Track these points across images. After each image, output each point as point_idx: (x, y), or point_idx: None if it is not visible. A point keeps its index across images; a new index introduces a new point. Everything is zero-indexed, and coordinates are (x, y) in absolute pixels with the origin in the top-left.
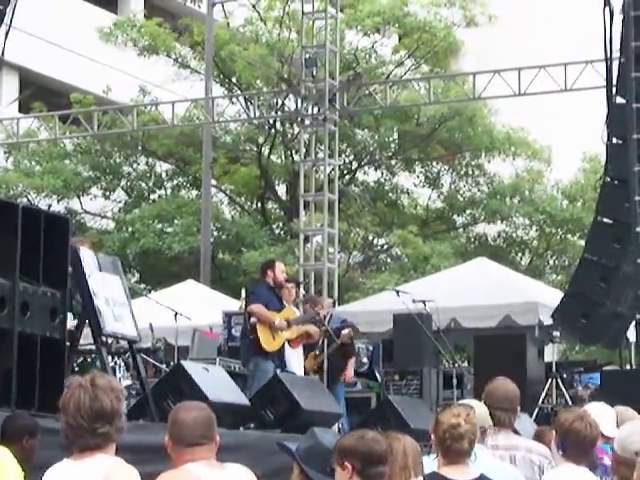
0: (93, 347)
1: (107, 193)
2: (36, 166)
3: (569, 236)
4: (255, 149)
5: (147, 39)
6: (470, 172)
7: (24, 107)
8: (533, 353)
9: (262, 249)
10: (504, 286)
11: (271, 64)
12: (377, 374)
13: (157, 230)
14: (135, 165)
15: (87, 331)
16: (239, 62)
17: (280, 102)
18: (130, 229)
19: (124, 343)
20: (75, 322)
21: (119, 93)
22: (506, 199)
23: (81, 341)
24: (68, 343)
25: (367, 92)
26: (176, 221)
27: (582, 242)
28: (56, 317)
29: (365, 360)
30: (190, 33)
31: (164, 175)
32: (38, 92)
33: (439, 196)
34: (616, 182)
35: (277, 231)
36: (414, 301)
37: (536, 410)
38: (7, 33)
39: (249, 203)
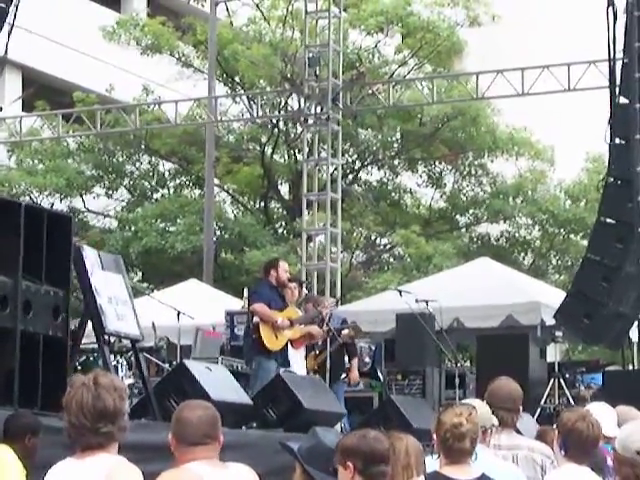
0: (95, 346)
1: (110, 192)
2: (39, 165)
3: (572, 236)
4: (258, 148)
5: (150, 38)
6: (473, 172)
7: (27, 106)
8: (535, 353)
9: (265, 248)
10: (507, 286)
11: (274, 63)
12: (379, 374)
13: (160, 229)
14: (138, 164)
15: (89, 330)
16: (242, 61)
17: (283, 101)
18: (133, 228)
19: (127, 342)
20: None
21: (122, 92)
22: (509, 199)
23: (83, 340)
24: (70, 342)
25: (370, 92)
26: (179, 220)
27: (585, 242)
28: (58, 316)
29: (367, 360)
30: (193, 32)
31: (167, 174)
32: (41, 91)
33: (442, 196)
34: (619, 182)
35: (280, 230)
36: (417, 301)
37: (538, 410)
38: (10, 31)
39: (252, 202)
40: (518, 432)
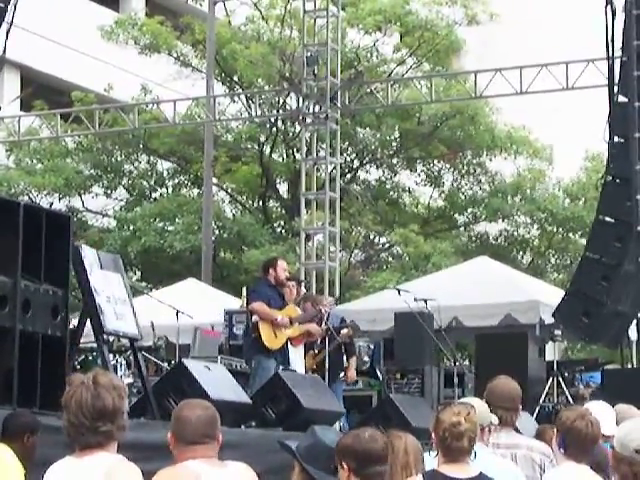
0: (94, 345)
1: (108, 191)
2: (37, 164)
3: (571, 235)
4: (256, 147)
5: (148, 37)
6: (471, 171)
7: (25, 105)
8: (534, 352)
9: (263, 247)
10: (505, 285)
11: (272, 62)
12: (378, 372)
13: (158, 228)
14: (136, 163)
15: (88, 329)
16: (240, 60)
17: (281, 100)
18: (131, 227)
19: (125, 341)
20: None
21: (120, 91)
22: (507, 198)
23: (82, 339)
24: (69, 341)
25: (368, 90)
26: (177, 219)
27: (583, 241)
28: (57, 315)
29: (366, 358)
30: (191, 31)
31: (165, 173)
32: (39, 90)
33: (440, 195)
34: (618, 181)
35: (278, 230)
36: (415, 300)
37: (537, 409)
38: (8, 31)
39: (250, 201)
40: (517, 431)
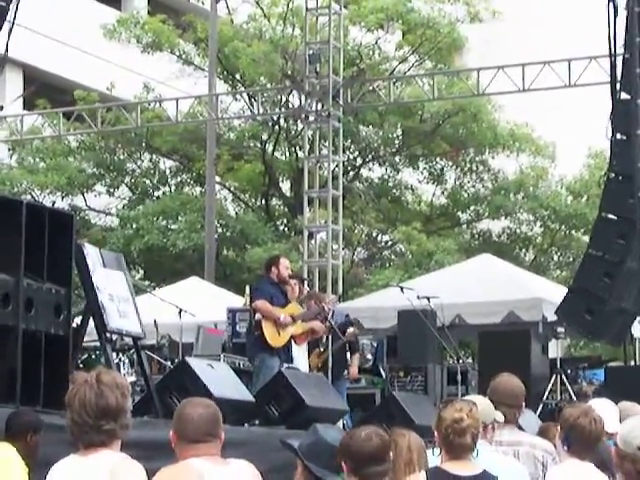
0: (97, 343)
1: (111, 190)
2: (40, 163)
3: (573, 232)
4: (259, 146)
5: (151, 36)
6: (474, 168)
7: (28, 104)
8: (537, 349)
9: (266, 246)
10: (508, 282)
11: (275, 61)
12: (381, 370)
13: (161, 227)
14: (139, 162)
15: (91, 327)
16: (243, 59)
17: (284, 99)
18: (134, 226)
19: (128, 340)
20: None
21: (123, 90)
22: (510, 195)
23: (85, 338)
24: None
25: (371, 88)
26: (180, 218)
27: (586, 238)
28: (60, 314)
29: (369, 356)
30: (194, 30)
31: (168, 172)
32: (42, 89)
33: (443, 192)
34: (620, 178)
35: (281, 228)
36: (418, 297)
37: (540, 406)
38: (10, 30)
39: (253, 200)
40: (520, 428)
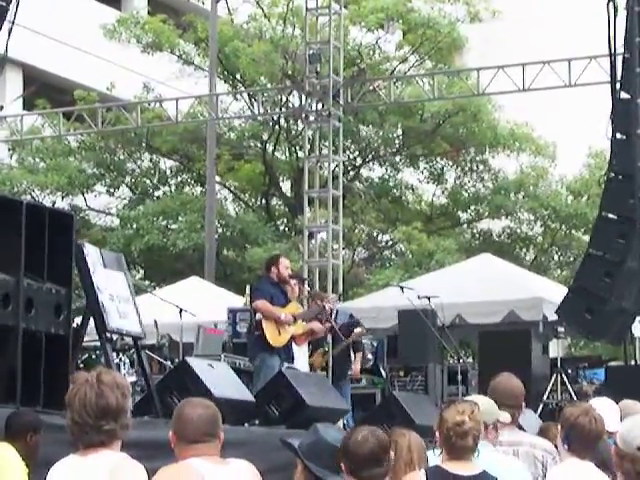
0: (98, 343)
1: (111, 190)
2: (40, 163)
3: (574, 231)
4: (259, 146)
5: (151, 36)
6: (474, 168)
7: (28, 104)
8: (538, 349)
9: (266, 245)
10: (508, 282)
11: (275, 60)
12: (382, 370)
13: (161, 227)
14: (139, 162)
15: (92, 327)
16: (243, 58)
17: (284, 98)
18: (134, 226)
19: (129, 340)
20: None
21: (123, 90)
22: (510, 195)
23: (85, 338)
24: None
25: (371, 88)
26: (180, 218)
27: (587, 238)
28: (61, 314)
29: (370, 356)
30: (194, 30)
31: (168, 172)
32: (42, 89)
33: (443, 192)
34: (620, 177)
35: (281, 227)
36: (419, 297)
37: (541, 406)
38: (10, 30)
39: (253, 200)
40: (521, 428)
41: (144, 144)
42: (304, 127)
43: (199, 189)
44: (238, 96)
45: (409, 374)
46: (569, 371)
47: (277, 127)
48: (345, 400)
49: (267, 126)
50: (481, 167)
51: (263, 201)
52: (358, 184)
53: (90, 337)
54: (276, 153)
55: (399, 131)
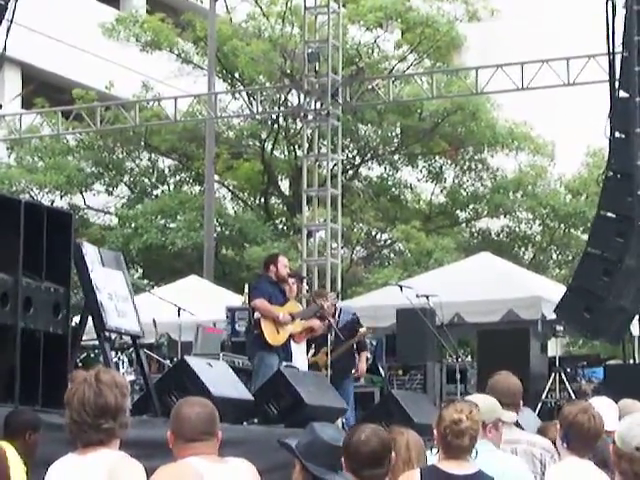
0: (96, 342)
1: (110, 189)
2: (39, 162)
3: (572, 230)
4: (258, 144)
5: (149, 34)
6: (473, 167)
7: (26, 103)
8: (536, 348)
9: (265, 244)
10: (507, 281)
11: (274, 59)
12: (380, 369)
13: (160, 226)
14: (138, 161)
15: (90, 326)
16: (242, 57)
17: (283, 97)
18: (133, 225)
19: (127, 338)
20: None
21: (122, 89)
22: (509, 194)
23: (84, 337)
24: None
25: (370, 87)
26: (179, 217)
27: (585, 236)
28: (59, 312)
29: (368, 355)
30: (193, 28)
31: (167, 171)
32: (40, 88)
33: (442, 191)
34: (619, 176)
35: (280, 226)
36: (417, 296)
37: (539, 405)
38: (9, 29)
39: (252, 198)
40: (519, 426)
41: (143, 143)
42: (303, 126)
43: (198, 188)
44: (237, 95)
45: (408, 373)
46: (568, 370)
47: (276, 126)
48: (347, 399)
49: (266, 125)
50: (480, 166)
51: (262, 200)
52: (357, 183)
53: (89, 336)
54: (275, 152)
55: (398, 130)
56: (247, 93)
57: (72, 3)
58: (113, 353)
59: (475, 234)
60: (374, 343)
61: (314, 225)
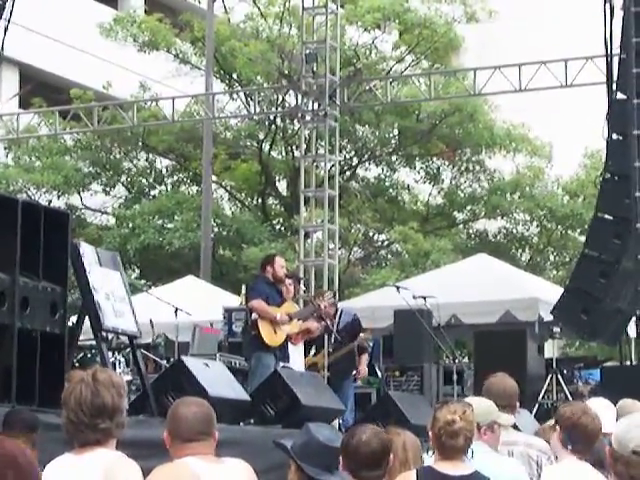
0: (93, 342)
1: (107, 189)
2: (36, 162)
3: (570, 232)
4: (255, 145)
5: (147, 35)
6: (470, 168)
7: (24, 103)
8: (533, 349)
9: (262, 245)
10: (504, 282)
11: (271, 60)
12: (377, 370)
13: (157, 226)
14: (135, 161)
15: (87, 326)
16: (239, 58)
17: (280, 98)
18: (130, 225)
19: (124, 338)
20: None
21: (119, 89)
22: (507, 195)
23: (81, 336)
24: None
25: (367, 88)
26: (176, 217)
27: (582, 238)
28: (56, 312)
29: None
30: (190, 29)
31: (164, 171)
32: (38, 88)
33: (439, 192)
34: (616, 178)
35: (277, 227)
36: (414, 297)
37: (536, 406)
38: (6, 28)
39: (249, 199)
40: (516, 428)
41: (140, 143)
42: (300, 127)
43: (195, 188)
44: (234, 95)
45: (405, 374)
46: (564, 371)
47: (273, 126)
48: (346, 400)
49: (263, 125)
50: (477, 167)
51: (259, 200)
52: (354, 184)
53: (86, 336)
54: (272, 152)
55: (395, 131)
56: (245, 94)
57: (70, 3)
58: (110, 353)
59: (472, 235)
60: (371, 344)
61: (311, 226)
